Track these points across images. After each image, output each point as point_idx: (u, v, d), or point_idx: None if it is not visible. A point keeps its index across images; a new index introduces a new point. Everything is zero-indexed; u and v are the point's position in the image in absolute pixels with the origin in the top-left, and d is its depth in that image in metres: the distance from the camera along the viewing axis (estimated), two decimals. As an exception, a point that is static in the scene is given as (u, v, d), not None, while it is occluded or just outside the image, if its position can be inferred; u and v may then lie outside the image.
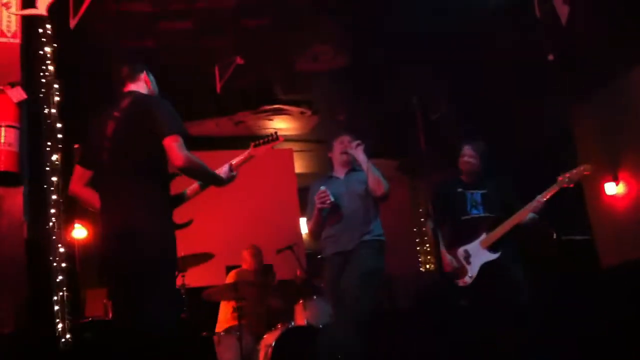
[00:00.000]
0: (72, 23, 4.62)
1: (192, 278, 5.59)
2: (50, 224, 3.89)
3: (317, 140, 8.41)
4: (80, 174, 3.17)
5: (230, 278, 5.91)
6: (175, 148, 2.94)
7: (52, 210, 3.94)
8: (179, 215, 3.17)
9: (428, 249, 9.25)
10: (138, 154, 3.02)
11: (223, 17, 6.07)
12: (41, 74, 4.14)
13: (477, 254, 4.42)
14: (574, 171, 4.21)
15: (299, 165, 8.78)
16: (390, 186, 4.20)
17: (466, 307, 4.40)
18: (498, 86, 6.75)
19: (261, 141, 3.53)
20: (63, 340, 3.79)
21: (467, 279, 4.41)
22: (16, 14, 4.00)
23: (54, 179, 4.05)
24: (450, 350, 4.83)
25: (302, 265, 6.20)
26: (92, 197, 3.15)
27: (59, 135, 4.22)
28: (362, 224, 4.14)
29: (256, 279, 5.93)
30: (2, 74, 3.80)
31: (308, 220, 4.42)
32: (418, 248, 9.36)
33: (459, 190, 4.59)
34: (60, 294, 3.87)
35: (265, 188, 8.02)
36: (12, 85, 3.71)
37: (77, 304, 5.19)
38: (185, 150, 2.95)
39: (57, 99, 4.22)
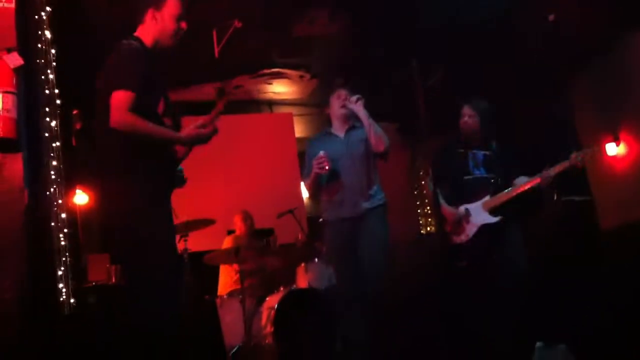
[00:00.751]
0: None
1: (194, 242, 5.62)
2: (52, 190, 3.89)
3: (317, 104, 8.35)
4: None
5: (226, 243, 6.00)
6: (112, 107, 2.64)
7: (53, 177, 3.94)
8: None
9: (428, 212, 9.27)
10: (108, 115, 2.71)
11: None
12: (37, 39, 4.09)
13: (478, 214, 4.40)
14: (588, 151, 4.22)
15: (299, 130, 8.74)
16: (390, 144, 4.13)
17: (464, 268, 4.40)
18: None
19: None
20: (67, 304, 3.83)
21: (463, 237, 4.41)
22: (10, -22, 3.93)
23: (54, 144, 4.04)
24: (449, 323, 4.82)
25: (303, 229, 6.25)
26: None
27: (57, 101, 4.19)
28: (365, 187, 4.10)
29: (249, 243, 5.99)
30: (-2, 39, 3.75)
31: (304, 180, 4.32)
32: (419, 211, 9.37)
33: (460, 150, 4.55)
34: (63, 259, 3.90)
35: (265, 153, 8.01)
36: (9, 50, 3.67)
37: (79, 269, 5.24)
38: (122, 110, 2.63)
39: (54, 64, 4.19)
